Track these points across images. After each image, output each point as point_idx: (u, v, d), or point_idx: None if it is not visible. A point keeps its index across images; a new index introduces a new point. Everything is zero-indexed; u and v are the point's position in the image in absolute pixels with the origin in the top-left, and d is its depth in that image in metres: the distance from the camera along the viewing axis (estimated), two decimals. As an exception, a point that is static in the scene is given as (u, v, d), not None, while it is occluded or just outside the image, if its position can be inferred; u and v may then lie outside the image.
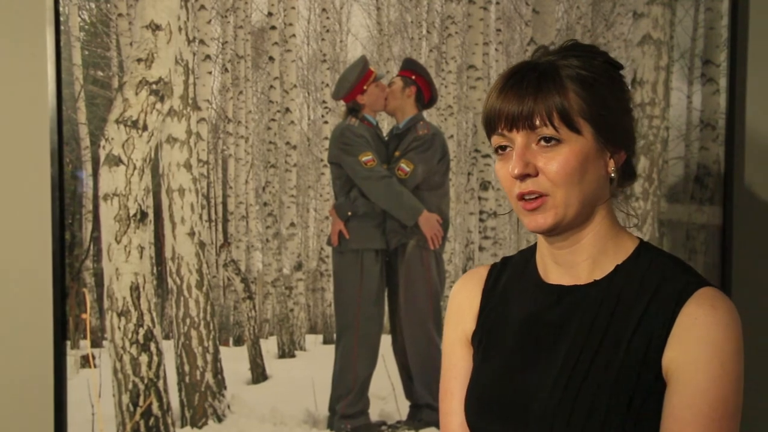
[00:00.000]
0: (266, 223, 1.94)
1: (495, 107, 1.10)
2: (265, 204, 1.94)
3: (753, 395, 1.40)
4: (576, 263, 1.16)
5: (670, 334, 1.05)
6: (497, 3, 1.95)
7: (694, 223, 2.01)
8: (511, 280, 1.27)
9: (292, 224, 1.95)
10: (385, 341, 1.97)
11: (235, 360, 1.94)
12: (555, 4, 1.95)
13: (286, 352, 1.96)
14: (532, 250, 1.27)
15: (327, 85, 1.94)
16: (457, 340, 1.30)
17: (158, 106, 1.88)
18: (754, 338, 1.99)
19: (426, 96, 1.95)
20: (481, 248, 1.99)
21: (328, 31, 1.93)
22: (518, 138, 1.09)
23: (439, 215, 1.96)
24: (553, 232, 1.14)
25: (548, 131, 1.08)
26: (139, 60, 1.87)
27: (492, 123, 1.12)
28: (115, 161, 1.88)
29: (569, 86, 1.09)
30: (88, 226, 1.89)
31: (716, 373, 1.02)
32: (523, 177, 1.09)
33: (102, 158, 1.87)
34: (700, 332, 1.03)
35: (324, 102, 1.95)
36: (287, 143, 1.94)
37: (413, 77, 1.94)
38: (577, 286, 1.15)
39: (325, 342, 1.97)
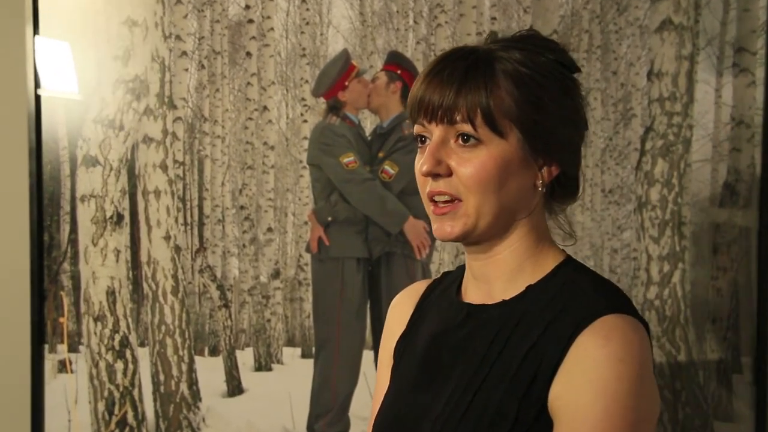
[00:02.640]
0: (243, 227, 1.84)
1: (417, 95, 1.00)
2: (242, 207, 1.84)
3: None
4: (490, 278, 1.03)
5: (560, 366, 0.90)
6: (492, -12, 1.77)
7: (722, 236, 1.75)
8: (437, 296, 1.16)
9: (270, 229, 1.84)
10: (368, 357, 1.83)
11: (210, 371, 1.85)
12: (558, -13, 1.75)
13: (263, 364, 1.85)
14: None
15: (307, 81, 1.82)
16: (384, 359, 1.20)
17: (134, 104, 1.82)
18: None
19: (412, 92, 1.80)
20: (473, 259, 1.81)
21: (307, 23, 1.81)
22: (435, 131, 0.98)
23: (426, 222, 1.80)
24: (463, 242, 1.02)
25: (467, 129, 0.96)
26: (115, 57, 1.81)
27: (413, 111, 1.01)
28: (92, 162, 1.83)
29: (501, 82, 0.96)
30: (65, 228, 1.85)
31: (600, 416, 0.86)
32: (433, 176, 0.98)
33: (79, 159, 1.83)
34: (586, 367, 0.88)
35: (303, 99, 1.83)
36: (265, 143, 1.83)
37: (399, 72, 1.80)
38: (485, 305, 1.03)
39: (304, 356, 1.85)
